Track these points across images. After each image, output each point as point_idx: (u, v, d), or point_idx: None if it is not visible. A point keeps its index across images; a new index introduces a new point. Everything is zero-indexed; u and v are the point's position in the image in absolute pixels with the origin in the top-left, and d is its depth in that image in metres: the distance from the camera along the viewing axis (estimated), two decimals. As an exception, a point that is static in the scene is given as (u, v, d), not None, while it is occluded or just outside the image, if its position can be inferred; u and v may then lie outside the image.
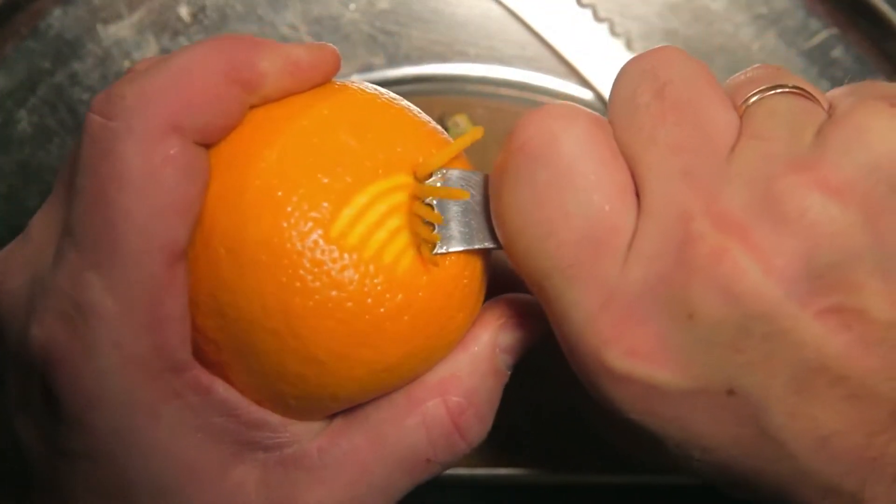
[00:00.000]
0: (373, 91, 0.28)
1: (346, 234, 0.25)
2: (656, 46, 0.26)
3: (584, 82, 0.45)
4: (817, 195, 0.22)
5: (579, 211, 0.24)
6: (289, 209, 0.24)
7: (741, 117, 0.24)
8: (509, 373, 0.27)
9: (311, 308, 0.24)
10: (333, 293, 0.24)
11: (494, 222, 0.26)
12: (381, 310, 0.25)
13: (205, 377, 0.24)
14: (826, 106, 0.24)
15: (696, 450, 0.24)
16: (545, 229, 0.24)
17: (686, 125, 0.24)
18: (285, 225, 0.24)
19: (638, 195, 0.24)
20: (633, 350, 0.23)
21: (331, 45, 0.27)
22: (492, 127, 0.44)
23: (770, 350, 0.22)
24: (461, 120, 0.43)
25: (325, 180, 0.25)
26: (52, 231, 0.25)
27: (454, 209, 0.26)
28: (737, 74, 0.26)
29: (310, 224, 0.24)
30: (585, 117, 0.25)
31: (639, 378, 0.23)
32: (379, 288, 0.25)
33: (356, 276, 0.25)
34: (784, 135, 0.23)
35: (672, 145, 0.23)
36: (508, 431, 0.39)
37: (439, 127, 0.29)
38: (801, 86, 0.24)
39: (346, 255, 0.25)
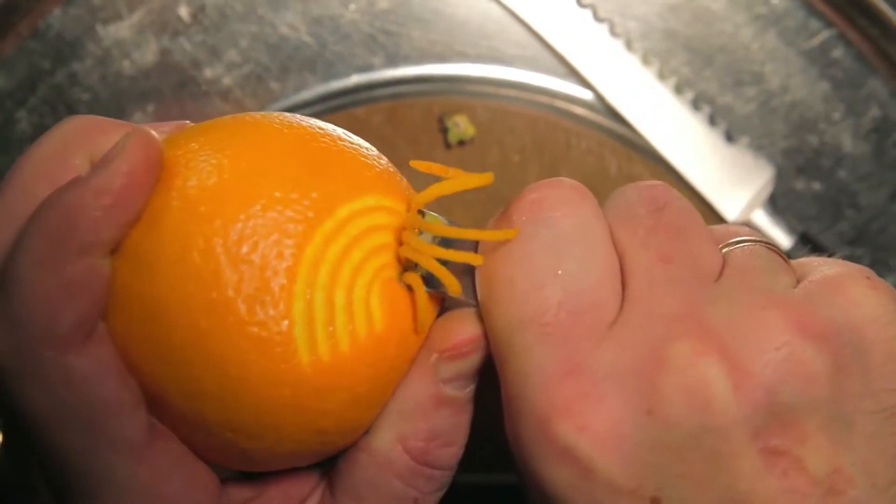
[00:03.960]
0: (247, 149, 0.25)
1: (317, 345, 0.24)
2: (652, 182, 0.27)
3: (584, 82, 0.45)
4: (798, 335, 0.23)
5: (572, 275, 0.24)
6: (255, 355, 0.23)
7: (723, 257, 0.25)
8: (468, 391, 0.27)
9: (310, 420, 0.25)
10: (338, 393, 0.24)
11: (479, 269, 0.26)
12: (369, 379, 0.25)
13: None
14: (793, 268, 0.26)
15: None
16: (534, 283, 0.24)
17: (678, 243, 0.25)
18: (265, 381, 0.24)
19: (623, 287, 0.25)
20: (584, 427, 0.23)
21: (139, 135, 0.24)
22: (492, 127, 0.44)
23: (709, 470, 0.22)
24: (461, 120, 0.43)
25: (261, 313, 0.23)
26: None
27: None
28: (713, 227, 0.27)
29: (282, 361, 0.23)
30: (595, 200, 0.26)
31: (579, 457, 0.23)
32: (359, 369, 0.25)
33: (342, 374, 0.24)
34: (767, 275, 0.24)
35: (663, 255, 0.24)
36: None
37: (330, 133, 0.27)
38: (774, 246, 0.26)
39: (325, 366, 0.24)
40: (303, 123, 0.26)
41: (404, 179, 0.28)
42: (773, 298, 0.23)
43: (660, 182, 0.26)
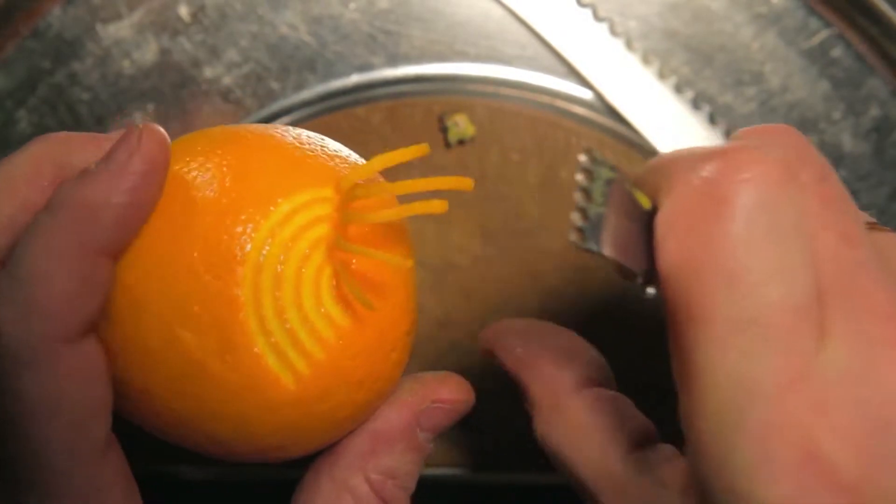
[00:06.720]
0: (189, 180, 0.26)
1: (294, 365, 0.25)
2: (788, 127, 0.24)
3: (584, 82, 0.45)
4: None
5: (794, 269, 0.21)
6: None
7: None
8: (430, 446, 0.29)
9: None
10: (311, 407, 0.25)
11: (668, 253, 0.23)
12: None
13: None
14: None
15: None
16: (758, 277, 0.21)
17: (853, 221, 0.22)
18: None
19: None
20: (823, 436, 0.20)
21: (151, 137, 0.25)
22: (492, 127, 0.44)
23: None
24: (461, 120, 0.43)
25: (232, 361, 0.24)
26: None
27: None
28: None
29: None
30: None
31: (825, 464, 0.20)
32: (344, 363, 0.25)
33: (319, 390, 0.25)
34: None
35: (844, 234, 0.22)
36: (518, 433, 0.39)
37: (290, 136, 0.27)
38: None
39: (310, 378, 0.25)
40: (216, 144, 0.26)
41: (336, 157, 0.27)
42: None
43: (800, 136, 0.24)
